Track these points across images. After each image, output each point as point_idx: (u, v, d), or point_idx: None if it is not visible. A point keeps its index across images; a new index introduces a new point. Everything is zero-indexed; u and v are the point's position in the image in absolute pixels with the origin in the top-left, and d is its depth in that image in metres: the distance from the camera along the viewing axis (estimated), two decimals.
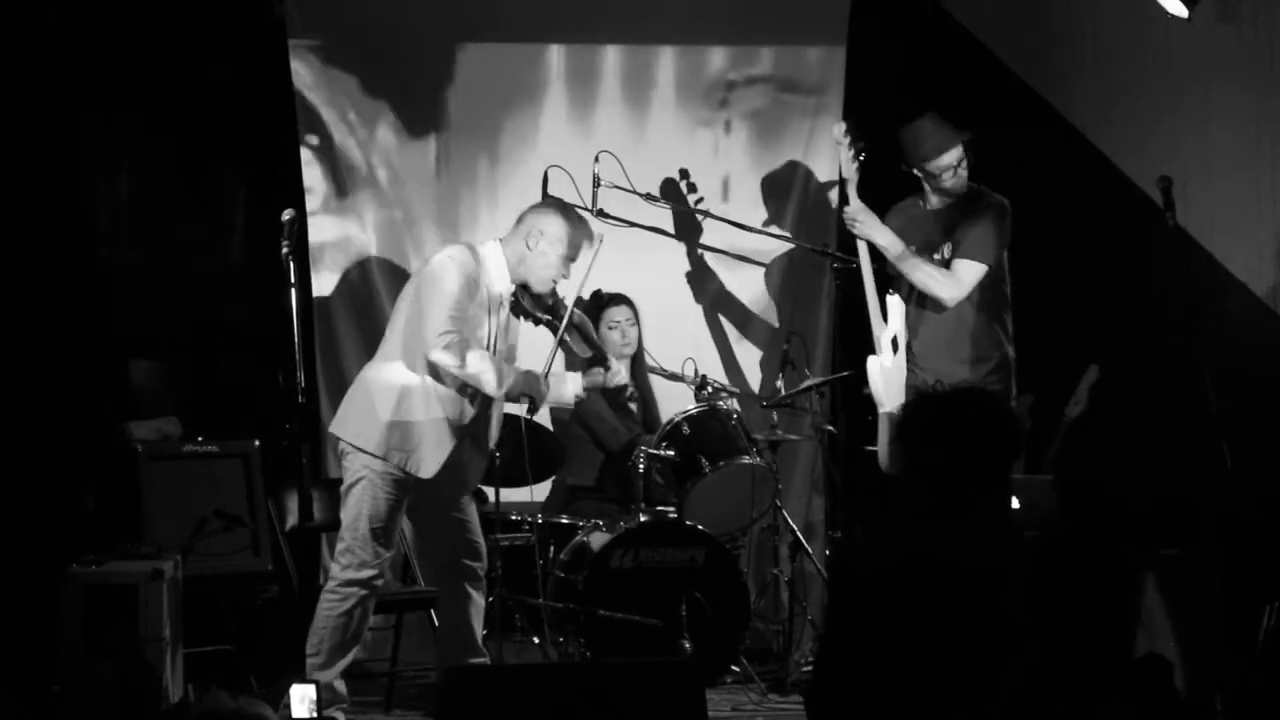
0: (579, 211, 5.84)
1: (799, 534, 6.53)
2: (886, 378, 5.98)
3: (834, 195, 7.16)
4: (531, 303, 5.66)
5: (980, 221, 5.98)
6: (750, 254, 7.11)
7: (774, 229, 7.06)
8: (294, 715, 4.67)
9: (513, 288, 5.65)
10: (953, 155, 6.01)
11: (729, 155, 7.22)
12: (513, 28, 7.07)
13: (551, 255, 5.61)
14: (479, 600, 5.73)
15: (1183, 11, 6.08)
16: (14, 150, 6.45)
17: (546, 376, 5.67)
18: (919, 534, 3.20)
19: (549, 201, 5.93)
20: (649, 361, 6.88)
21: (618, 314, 6.74)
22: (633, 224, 6.89)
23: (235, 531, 5.89)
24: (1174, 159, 6.25)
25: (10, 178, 6.43)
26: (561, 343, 5.74)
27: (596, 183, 6.61)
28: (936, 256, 6.02)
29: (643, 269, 7.02)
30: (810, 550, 6.55)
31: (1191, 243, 6.23)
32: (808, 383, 6.59)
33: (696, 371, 6.57)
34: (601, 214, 6.68)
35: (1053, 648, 2.96)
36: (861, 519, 6.45)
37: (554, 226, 5.62)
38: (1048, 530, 5.22)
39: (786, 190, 7.23)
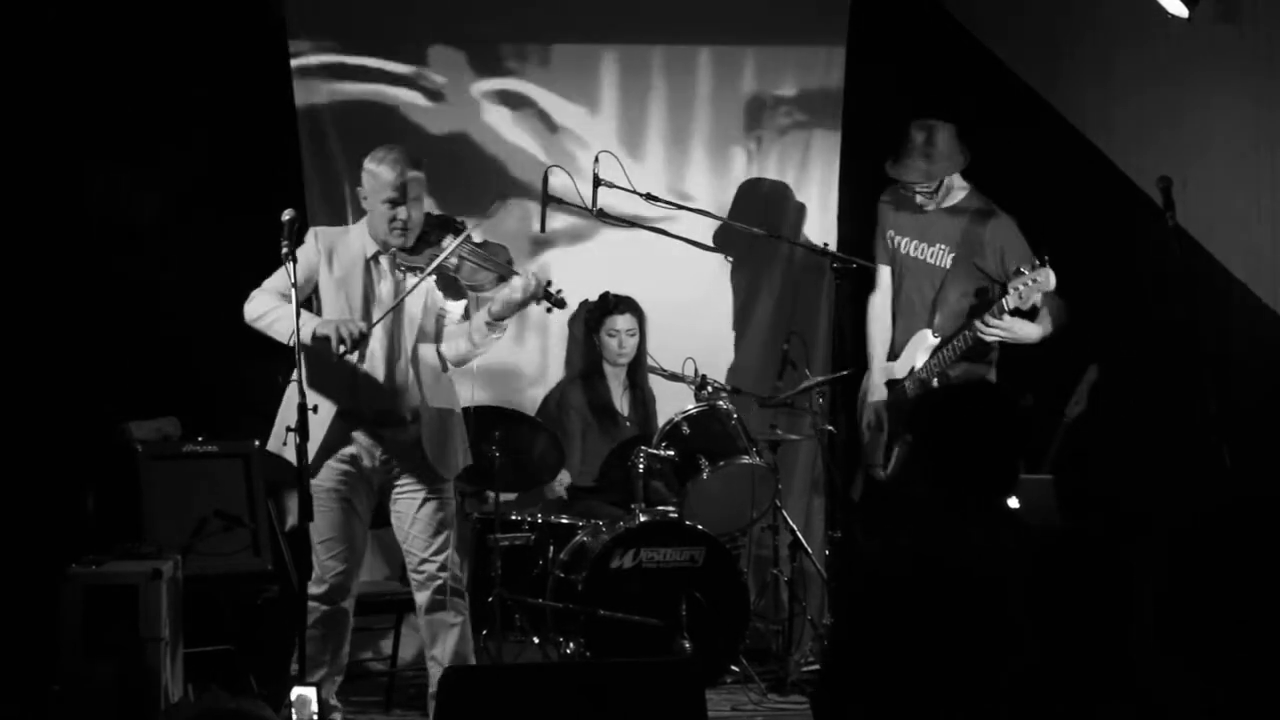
0: (395, 148, 5.33)
1: (799, 534, 6.54)
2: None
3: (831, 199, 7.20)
4: (408, 256, 5.26)
5: (1025, 251, 6.05)
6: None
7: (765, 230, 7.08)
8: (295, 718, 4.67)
9: (373, 249, 5.33)
10: (955, 177, 6.12)
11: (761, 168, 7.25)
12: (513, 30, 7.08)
13: (375, 205, 5.26)
14: (444, 619, 5.44)
15: (1183, 11, 6.08)
16: (13, 150, 6.44)
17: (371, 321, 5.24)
18: (931, 536, 3.20)
19: (371, 153, 5.37)
20: (649, 361, 6.89)
21: (618, 323, 6.74)
22: (633, 224, 6.90)
23: (235, 531, 5.88)
24: (1174, 159, 6.25)
25: (9, 178, 6.43)
26: (449, 280, 5.29)
27: (597, 183, 6.61)
28: (948, 254, 6.05)
29: (643, 268, 7.03)
30: (810, 550, 6.55)
31: (1191, 243, 6.22)
32: (807, 383, 6.59)
33: (696, 371, 6.57)
34: (601, 214, 6.69)
35: (1053, 648, 2.96)
36: (860, 520, 6.46)
37: (368, 178, 5.28)
38: (1048, 530, 5.22)
39: (783, 196, 7.25)
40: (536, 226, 6.70)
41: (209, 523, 5.79)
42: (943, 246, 6.18)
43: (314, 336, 5.14)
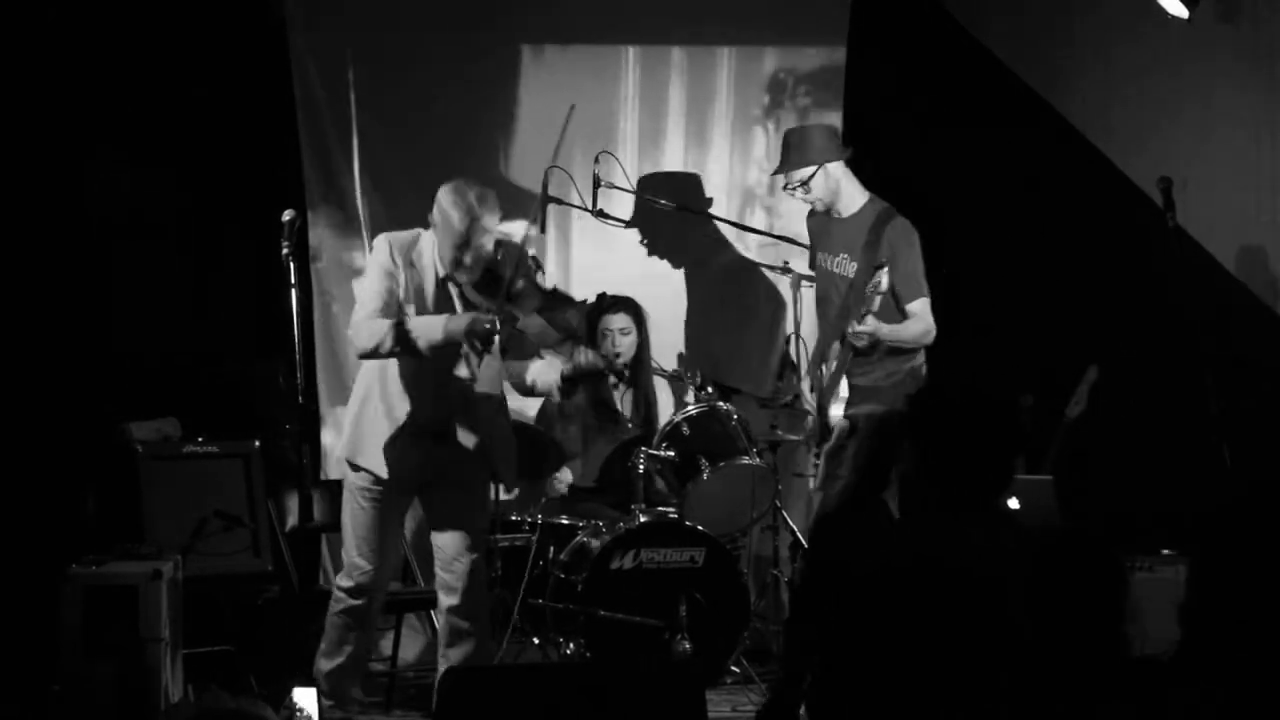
0: (469, 189, 5.16)
1: (799, 534, 6.54)
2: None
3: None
4: (473, 294, 5.21)
5: (913, 254, 5.89)
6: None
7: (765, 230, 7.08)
8: (296, 717, 4.67)
9: (445, 270, 5.23)
10: (804, 173, 5.96)
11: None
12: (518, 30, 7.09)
13: (443, 241, 5.15)
14: (462, 626, 5.38)
15: (1183, 12, 6.08)
16: (13, 150, 6.44)
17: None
18: (931, 536, 3.20)
19: (447, 185, 5.26)
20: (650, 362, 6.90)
21: (612, 322, 6.74)
22: (629, 224, 6.91)
23: (235, 532, 5.88)
24: (1174, 159, 6.25)
25: (9, 178, 6.43)
26: (518, 337, 5.28)
27: (597, 183, 6.61)
28: (850, 262, 5.96)
29: (643, 268, 7.03)
30: None
31: (1191, 243, 6.23)
32: (807, 383, 6.58)
33: (697, 371, 6.57)
34: (601, 214, 6.69)
35: (1053, 648, 2.96)
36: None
37: (439, 213, 5.16)
38: (1048, 530, 5.22)
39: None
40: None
41: (209, 523, 5.79)
42: (845, 255, 6.00)
43: (445, 337, 5.07)
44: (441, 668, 5.34)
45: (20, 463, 6.19)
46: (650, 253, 7.14)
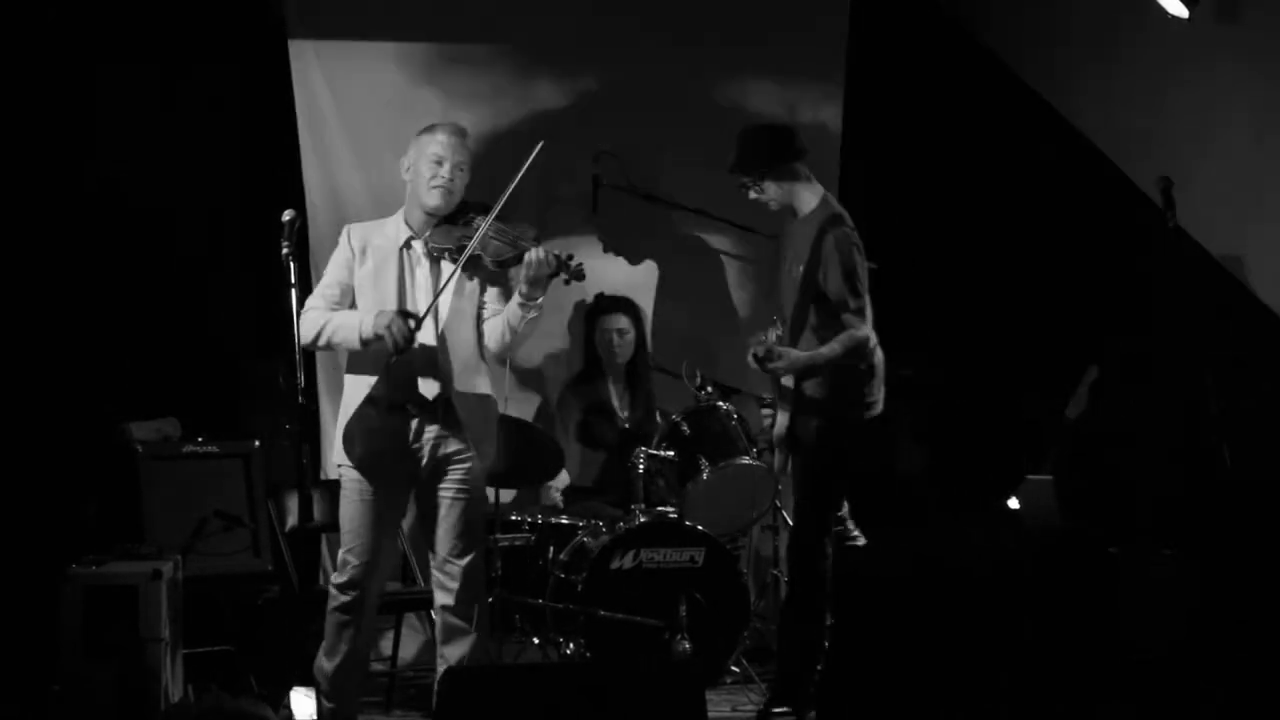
0: (448, 125, 5.34)
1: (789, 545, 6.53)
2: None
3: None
4: (439, 239, 5.23)
5: (838, 266, 5.57)
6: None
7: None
8: (295, 717, 4.67)
9: (405, 236, 5.27)
10: (755, 174, 5.72)
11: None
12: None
13: (419, 170, 5.24)
14: (459, 625, 5.29)
15: (1183, 11, 6.08)
16: (13, 150, 6.45)
17: (429, 312, 5.16)
18: (930, 536, 3.20)
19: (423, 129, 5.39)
20: (650, 361, 6.90)
21: (609, 322, 6.75)
22: (632, 224, 6.92)
23: (235, 531, 5.88)
24: (1174, 159, 6.25)
25: (9, 177, 6.44)
26: (476, 261, 5.20)
27: (597, 183, 6.62)
28: (799, 268, 5.73)
29: (644, 269, 7.04)
30: None
31: (1191, 243, 6.23)
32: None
33: (697, 371, 6.58)
34: (601, 214, 6.70)
35: (1052, 647, 2.97)
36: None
37: (414, 148, 5.30)
38: (1048, 530, 5.23)
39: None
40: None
41: (209, 523, 5.79)
42: (796, 259, 5.73)
43: (362, 341, 5.13)
44: (440, 667, 5.33)
45: (20, 463, 6.19)
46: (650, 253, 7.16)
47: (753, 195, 5.77)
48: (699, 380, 6.50)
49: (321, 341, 5.18)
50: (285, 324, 5.15)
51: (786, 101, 7.21)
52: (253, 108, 6.85)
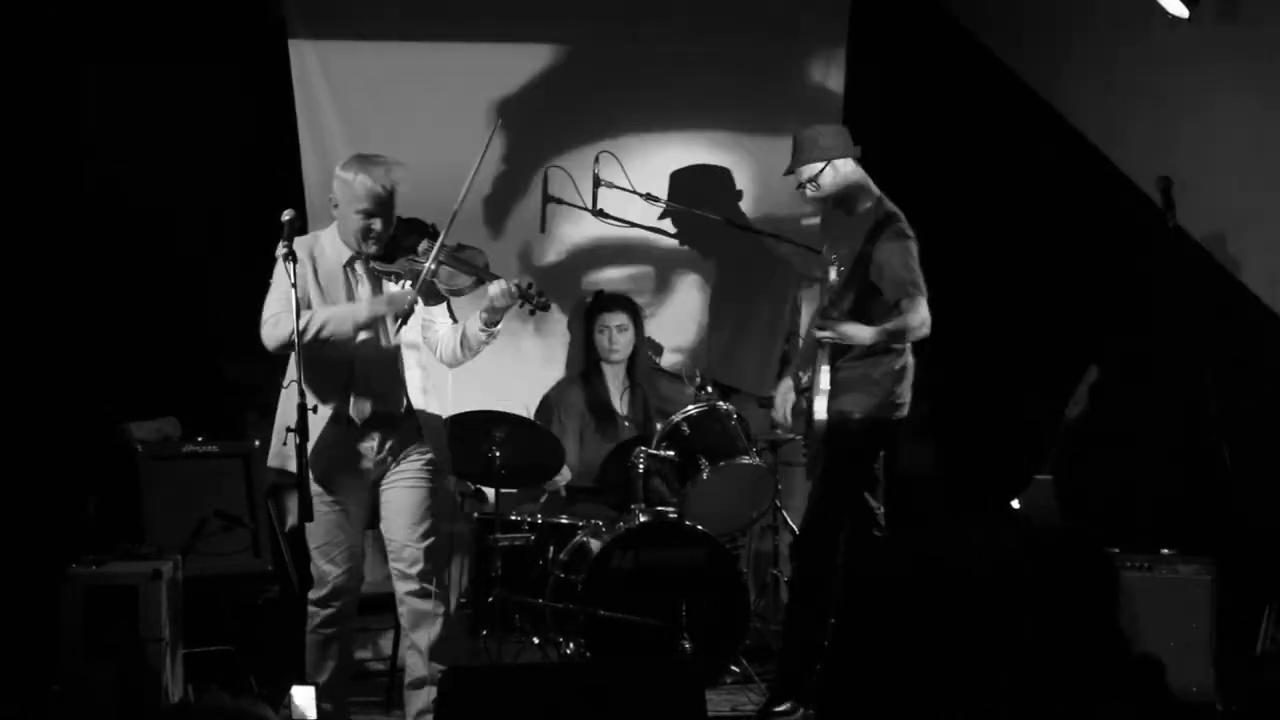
0: (376, 158, 5.26)
1: (799, 534, 6.53)
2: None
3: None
4: (380, 265, 5.24)
5: (896, 258, 5.71)
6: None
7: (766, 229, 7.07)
8: (294, 717, 4.67)
9: (347, 255, 5.26)
10: (813, 169, 5.88)
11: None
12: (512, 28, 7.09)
13: (347, 213, 5.19)
14: (425, 608, 5.30)
15: (1183, 11, 6.08)
16: (13, 150, 6.44)
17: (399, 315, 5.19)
18: (930, 536, 3.20)
19: (346, 162, 5.32)
20: (650, 362, 6.90)
21: (608, 319, 6.76)
22: (633, 224, 6.91)
23: (235, 531, 5.88)
24: (1174, 159, 6.25)
25: (9, 177, 6.43)
26: (428, 286, 5.20)
27: (597, 183, 6.62)
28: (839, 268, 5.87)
29: (643, 269, 7.03)
30: None
31: (1191, 243, 6.23)
32: (807, 383, 6.59)
33: (697, 371, 6.57)
34: (601, 214, 6.70)
35: (1053, 648, 2.96)
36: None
37: (341, 187, 5.21)
38: (1048, 530, 5.22)
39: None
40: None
41: (209, 523, 5.79)
42: (847, 255, 5.83)
43: (357, 327, 5.14)
44: (410, 658, 5.31)
45: (20, 463, 6.19)
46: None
47: (809, 194, 5.94)
48: (699, 380, 6.50)
49: (309, 336, 5.08)
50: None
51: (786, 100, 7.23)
52: (252, 108, 6.85)
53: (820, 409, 5.74)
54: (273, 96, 6.82)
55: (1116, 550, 5.72)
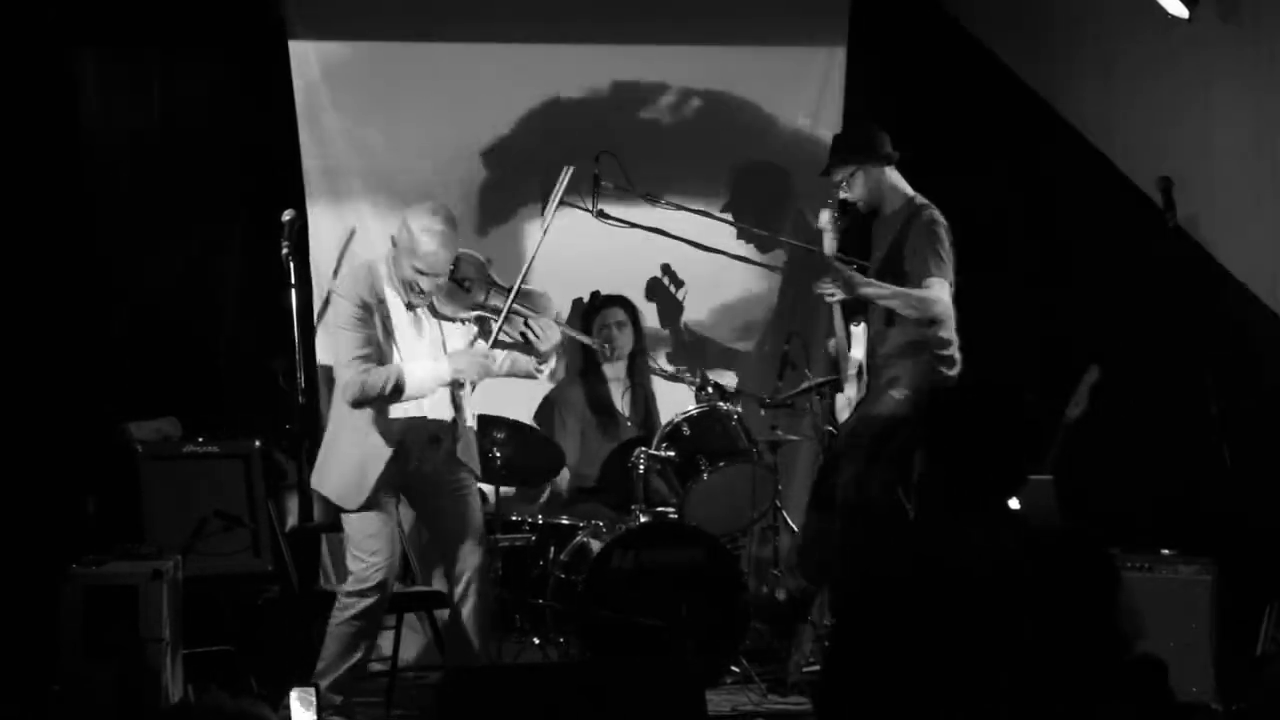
0: (448, 227, 5.26)
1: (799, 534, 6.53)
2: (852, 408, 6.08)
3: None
4: (448, 307, 5.35)
5: (924, 241, 5.81)
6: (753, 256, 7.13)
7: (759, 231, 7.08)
8: (294, 718, 4.67)
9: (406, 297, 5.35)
10: (845, 170, 5.97)
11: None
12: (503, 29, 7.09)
13: (403, 264, 5.23)
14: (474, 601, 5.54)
15: (1183, 12, 6.08)
16: (12, 150, 6.44)
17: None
18: (931, 536, 3.20)
19: (422, 210, 5.35)
20: (650, 363, 6.90)
21: (607, 316, 6.76)
22: (633, 225, 6.90)
23: (235, 532, 5.88)
24: (1174, 159, 6.25)
25: (10, 181, 6.43)
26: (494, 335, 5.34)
27: (597, 183, 6.61)
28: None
29: (643, 268, 7.03)
30: None
31: (1191, 243, 6.23)
32: (807, 384, 6.59)
33: (697, 371, 6.57)
34: (601, 214, 6.69)
35: (1053, 648, 2.96)
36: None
37: (404, 235, 5.23)
38: (1048, 530, 5.22)
39: (782, 193, 7.25)
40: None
41: (209, 523, 5.79)
42: (878, 250, 5.99)
43: (438, 384, 5.30)
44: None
45: (21, 463, 6.19)
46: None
47: (843, 195, 6.02)
48: (699, 380, 6.50)
49: (388, 391, 5.21)
50: (285, 324, 5.16)
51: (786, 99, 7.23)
52: (253, 107, 6.85)
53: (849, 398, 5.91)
54: (273, 96, 6.82)
55: (1116, 550, 5.72)
